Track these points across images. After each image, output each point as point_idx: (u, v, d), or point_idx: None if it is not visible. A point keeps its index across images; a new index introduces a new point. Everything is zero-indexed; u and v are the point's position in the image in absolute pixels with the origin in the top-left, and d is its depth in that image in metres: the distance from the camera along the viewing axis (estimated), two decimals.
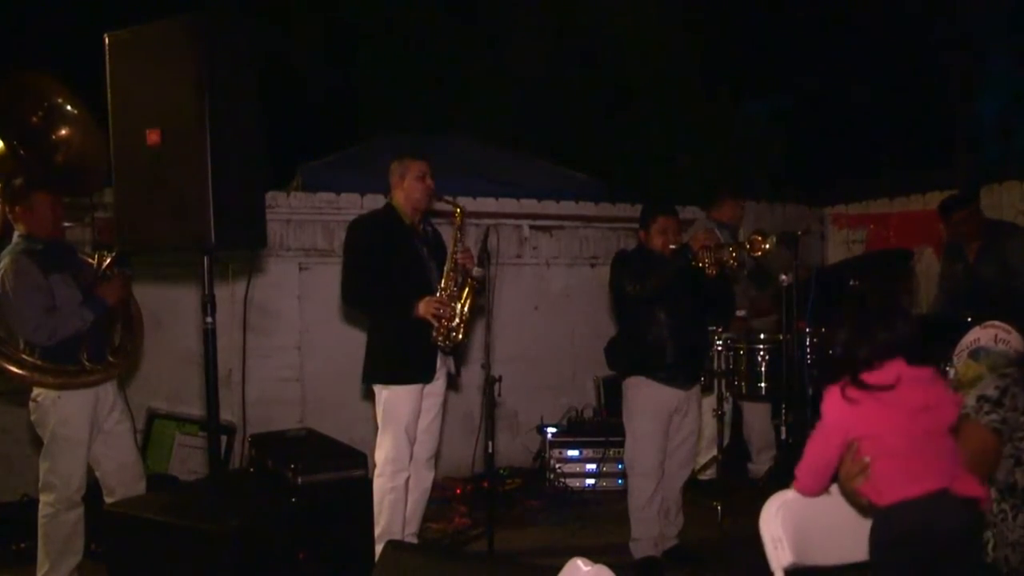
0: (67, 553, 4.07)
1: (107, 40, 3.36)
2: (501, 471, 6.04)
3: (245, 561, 3.23)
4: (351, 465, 4.07)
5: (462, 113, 12.58)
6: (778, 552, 2.46)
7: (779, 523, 2.48)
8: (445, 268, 4.24)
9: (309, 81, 13.40)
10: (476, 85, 13.00)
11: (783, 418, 5.35)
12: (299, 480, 3.86)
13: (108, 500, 4.14)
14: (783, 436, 5.46)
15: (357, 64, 13.52)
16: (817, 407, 2.65)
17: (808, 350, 5.10)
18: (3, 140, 3.98)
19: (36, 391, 4.03)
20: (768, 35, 13.71)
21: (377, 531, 4.09)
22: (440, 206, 4.40)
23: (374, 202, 5.85)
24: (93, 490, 4.22)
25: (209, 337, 3.34)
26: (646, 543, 4.45)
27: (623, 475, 5.00)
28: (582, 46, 12.66)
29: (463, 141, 8.68)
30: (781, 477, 4.68)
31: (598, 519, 5.39)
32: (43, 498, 4.05)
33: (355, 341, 4.89)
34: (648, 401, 4.40)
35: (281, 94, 10.40)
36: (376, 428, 4.31)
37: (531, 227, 7.02)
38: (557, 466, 5.97)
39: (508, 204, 6.94)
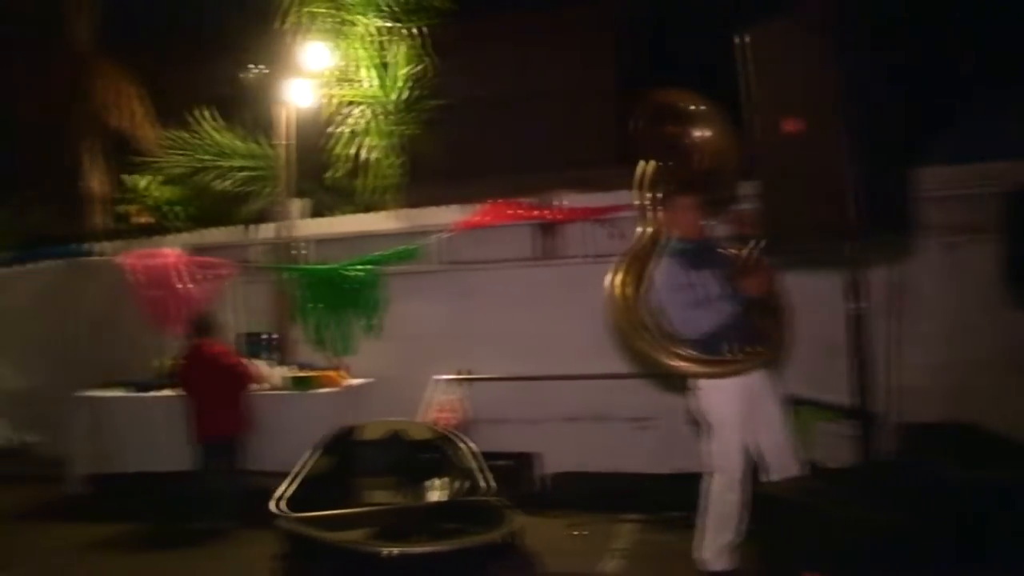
0: (724, 530, 4.61)
1: (741, 40, 3.71)
2: None
3: (894, 555, 3.27)
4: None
5: None
6: None
7: None
8: None
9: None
10: None
11: None
12: (957, 477, 3.76)
13: (764, 480, 4.54)
14: None
15: None
16: None
17: None
18: (652, 159, 4.65)
19: (696, 380, 4.61)
20: None
21: None
22: None
23: None
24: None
25: (856, 324, 3.46)
26: None
27: None
28: None
29: None
30: None
31: None
32: (710, 477, 4.62)
33: None
34: None
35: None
36: None
37: None
38: None
39: None
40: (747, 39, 3.73)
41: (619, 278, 4.78)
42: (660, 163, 4.72)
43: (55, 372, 8.79)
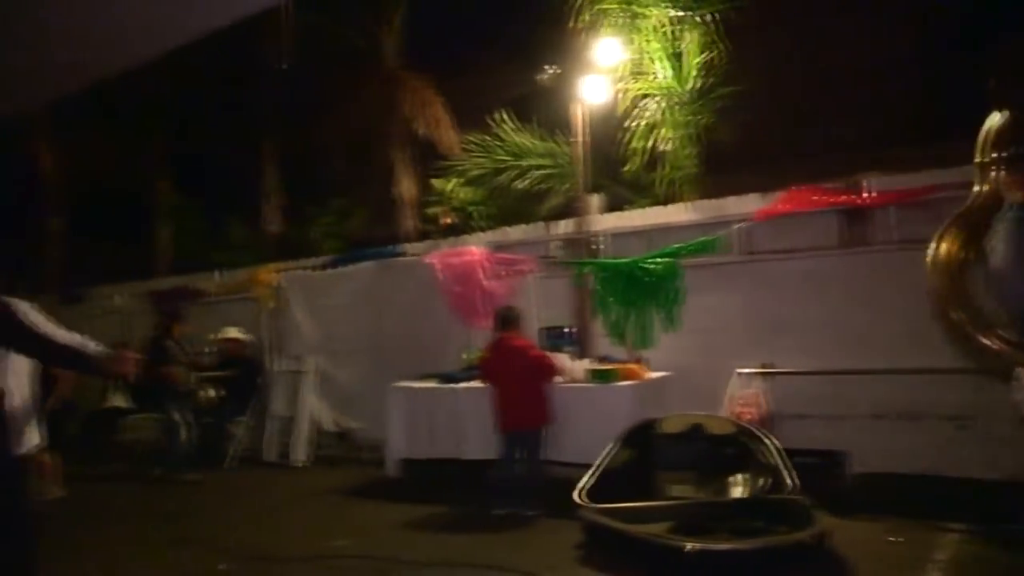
0: None
1: None
2: None
3: None
4: None
5: None
6: None
7: None
8: None
9: None
10: None
11: None
12: None
13: None
14: None
15: None
16: None
17: None
18: (1009, 110, 4.31)
19: (1018, 369, 4.25)
20: None
21: None
22: None
23: None
24: None
25: None
26: None
27: None
28: None
29: None
30: None
31: None
32: None
33: None
34: None
35: None
36: None
37: None
38: None
39: None
40: None
41: (947, 242, 4.50)
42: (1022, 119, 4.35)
43: (373, 364, 9.73)
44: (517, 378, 7.04)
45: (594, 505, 5.81)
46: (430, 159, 12.19)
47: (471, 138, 10.84)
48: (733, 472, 6.33)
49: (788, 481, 5.78)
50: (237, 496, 8.65)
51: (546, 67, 8.82)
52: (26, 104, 8.59)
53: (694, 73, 8.70)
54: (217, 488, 9.06)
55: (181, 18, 5.91)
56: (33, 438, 4.93)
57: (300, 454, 10.02)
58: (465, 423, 7.76)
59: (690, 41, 8.73)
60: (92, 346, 4.32)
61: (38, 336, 3.93)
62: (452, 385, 8.07)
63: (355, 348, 10.14)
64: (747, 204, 7.62)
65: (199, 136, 15.78)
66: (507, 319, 7.33)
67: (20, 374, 4.84)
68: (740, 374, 7.18)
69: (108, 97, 13.43)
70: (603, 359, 7.80)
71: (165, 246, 16.18)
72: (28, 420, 4.85)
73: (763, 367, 7.22)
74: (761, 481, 6.09)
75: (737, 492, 6.21)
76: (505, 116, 10.49)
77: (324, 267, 10.92)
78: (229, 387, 10.39)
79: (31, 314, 4.05)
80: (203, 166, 15.99)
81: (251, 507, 8.06)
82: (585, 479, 6.20)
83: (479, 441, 7.54)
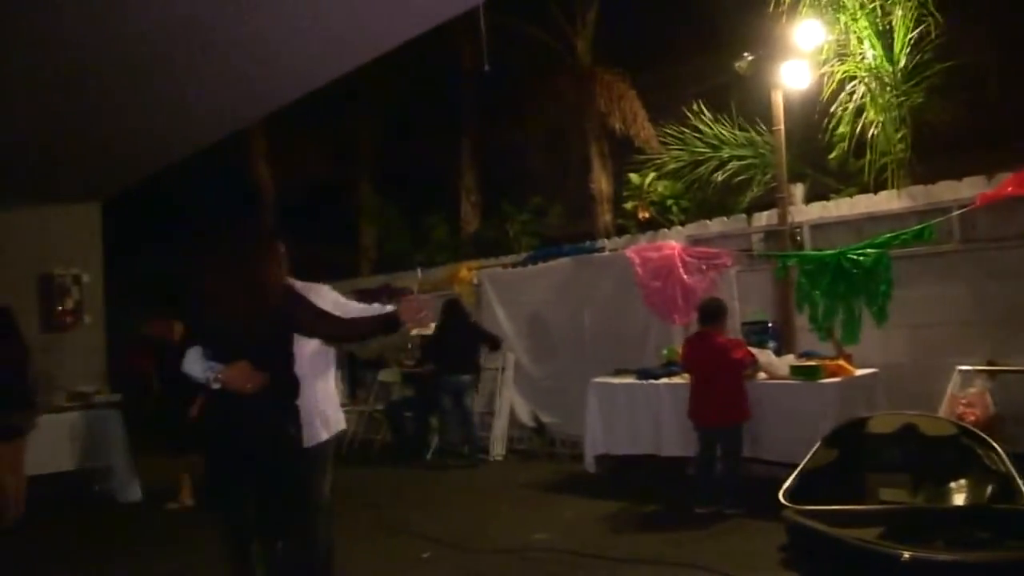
0: None
1: None
2: None
3: None
4: None
5: None
6: None
7: None
8: None
9: None
10: None
11: None
12: None
13: None
14: None
15: None
16: None
17: None
18: None
19: None
20: None
21: None
22: None
23: None
24: None
25: None
26: None
27: None
28: None
29: None
30: None
31: None
32: None
33: None
34: None
35: None
36: None
37: None
38: None
39: None
40: None
41: None
42: None
43: (570, 360, 9.83)
44: (716, 374, 6.91)
45: (798, 506, 5.60)
46: (626, 153, 12.18)
47: (667, 131, 10.72)
48: (952, 477, 5.90)
49: (1021, 490, 5.33)
50: (437, 487, 8.98)
51: (743, 54, 8.57)
52: (254, 114, 9.27)
53: (903, 51, 8.21)
54: (419, 479, 9.44)
55: (388, 25, 6.23)
56: (320, 434, 4.71)
57: (498, 448, 10.26)
58: (664, 419, 7.69)
59: (900, 16, 8.23)
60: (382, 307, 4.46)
61: (324, 315, 4.11)
62: (649, 381, 8.01)
63: (552, 344, 10.31)
64: (965, 188, 7.12)
65: (399, 137, 16.45)
66: (711, 312, 7.13)
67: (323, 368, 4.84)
68: (961, 371, 6.72)
69: (313, 102, 14.28)
70: (806, 355, 7.52)
71: (369, 246, 16.95)
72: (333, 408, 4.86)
73: (989, 364, 6.73)
74: (986, 489, 5.64)
75: (957, 499, 5.79)
76: (702, 107, 10.30)
77: (521, 264, 11.13)
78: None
79: (325, 296, 4.24)
80: (403, 167, 16.64)
81: (451, 498, 8.36)
82: (789, 479, 6.00)
83: (678, 437, 7.46)
